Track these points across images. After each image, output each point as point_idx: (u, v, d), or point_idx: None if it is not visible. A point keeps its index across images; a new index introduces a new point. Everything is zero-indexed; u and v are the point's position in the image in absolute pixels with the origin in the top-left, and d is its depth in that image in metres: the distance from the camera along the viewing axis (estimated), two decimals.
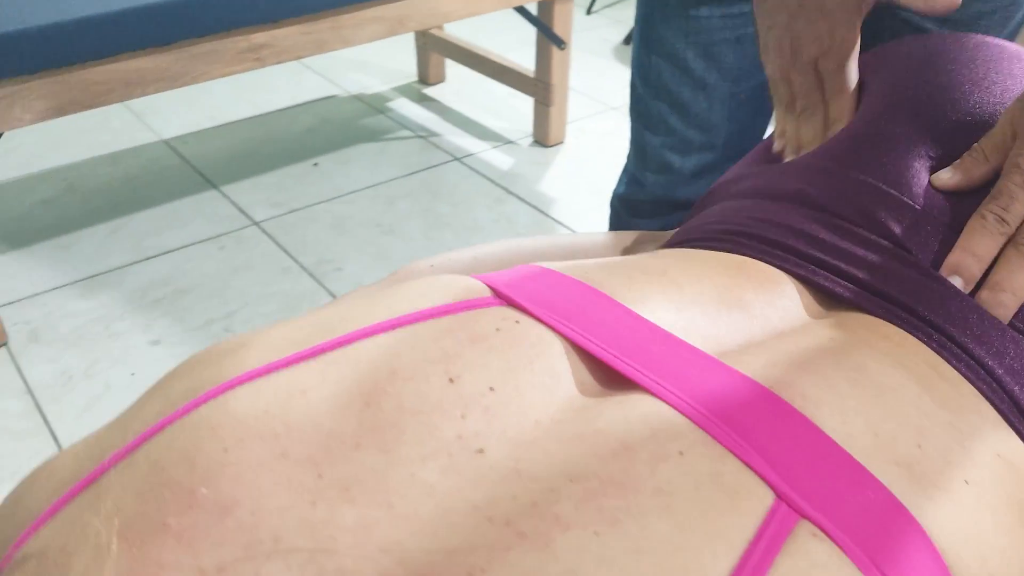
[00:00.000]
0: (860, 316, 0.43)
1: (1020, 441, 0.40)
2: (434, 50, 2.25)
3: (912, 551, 0.30)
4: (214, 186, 1.85)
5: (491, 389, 0.32)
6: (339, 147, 2.01)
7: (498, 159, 1.98)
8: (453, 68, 2.37)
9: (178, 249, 1.66)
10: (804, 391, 0.35)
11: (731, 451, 0.31)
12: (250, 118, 2.15)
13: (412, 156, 1.98)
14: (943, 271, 0.44)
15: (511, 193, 1.85)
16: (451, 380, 0.32)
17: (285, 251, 1.66)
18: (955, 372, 0.41)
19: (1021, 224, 0.43)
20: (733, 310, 0.41)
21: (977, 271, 0.43)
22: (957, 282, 0.43)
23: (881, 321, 0.43)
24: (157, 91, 1.36)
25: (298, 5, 1.44)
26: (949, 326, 0.42)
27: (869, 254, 0.45)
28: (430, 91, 2.29)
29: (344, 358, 0.33)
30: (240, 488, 0.28)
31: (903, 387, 0.37)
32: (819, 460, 0.31)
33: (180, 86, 1.38)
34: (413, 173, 1.92)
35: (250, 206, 1.79)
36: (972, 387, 0.40)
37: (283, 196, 1.82)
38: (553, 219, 1.77)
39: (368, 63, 2.46)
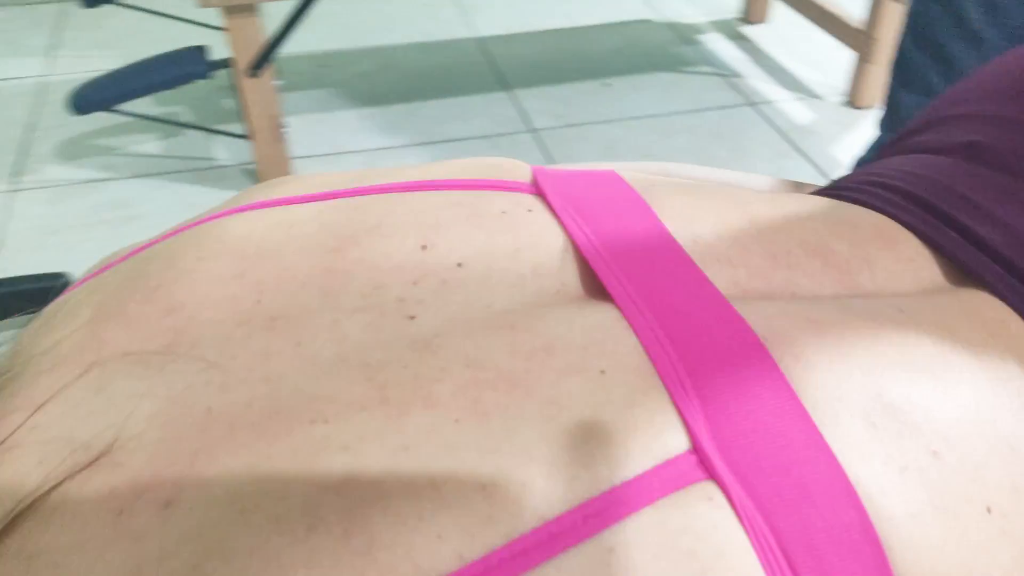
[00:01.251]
0: (989, 299, 0.35)
1: None
2: None
3: None
4: (506, 88, 1.92)
5: (459, 265, 0.31)
6: (636, 72, 1.98)
7: (797, 112, 1.84)
8: (779, 9, 2.22)
9: (457, 140, 1.75)
10: (801, 351, 0.29)
11: (666, 387, 0.26)
12: (560, 29, 2.18)
13: (707, 93, 1.90)
14: None
15: (798, 150, 1.72)
16: (424, 247, 0.31)
17: (550, 162, 1.68)
18: None
19: None
20: (809, 256, 0.35)
21: None
22: None
23: (1009, 311, 0.34)
24: None
25: None
26: None
27: None
28: (748, 30, 2.17)
29: (347, 205, 0.33)
30: (192, 294, 0.29)
31: (971, 367, 0.30)
32: (774, 434, 0.26)
33: None
34: (701, 110, 1.84)
35: (533, 113, 1.83)
36: None
37: (566, 109, 1.84)
38: None
39: None
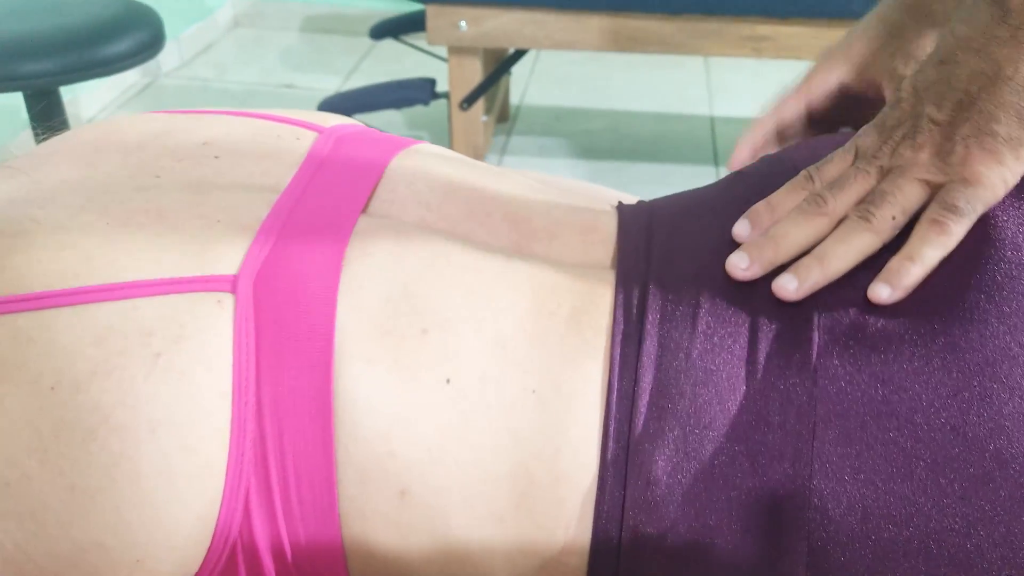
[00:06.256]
0: (603, 291, 0.41)
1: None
2: None
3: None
4: (716, 165, 1.97)
5: (216, 157, 0.44)
6: None
7: None
8: None
9: None
10: (370, 244, 0.39)
11: (256, 236, 0.38)
12: None
13: None
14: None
15: None
16: (205, 143, 0.45)
17: None
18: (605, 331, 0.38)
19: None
20: (503, 221, 0.44)
21: (767, 219, 0.41)
22: (742, 226, 0.41)
23: (605, 312, 0.40)
24: (655, 52, 1.53)
25: (809, 6, 1.44)
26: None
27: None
28: None
29: (203, 117, 0.48)
30: (82, 138, 0.45)
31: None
32: (304, 279, 0.37)
33: (677, 53, 1.53)
34: None
35: None
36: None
37: None
38: None
39: None
